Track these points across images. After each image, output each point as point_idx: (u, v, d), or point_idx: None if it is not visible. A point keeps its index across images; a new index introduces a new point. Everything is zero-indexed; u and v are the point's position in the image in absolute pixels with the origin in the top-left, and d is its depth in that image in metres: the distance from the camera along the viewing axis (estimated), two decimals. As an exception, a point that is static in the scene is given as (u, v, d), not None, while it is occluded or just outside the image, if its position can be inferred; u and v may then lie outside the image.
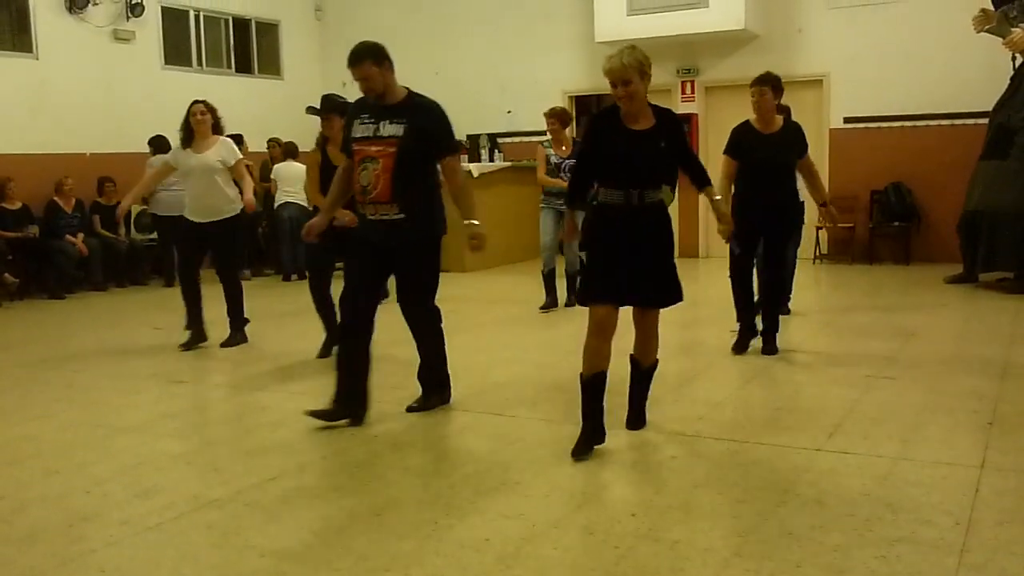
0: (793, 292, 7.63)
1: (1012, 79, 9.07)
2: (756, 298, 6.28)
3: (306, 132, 6.28)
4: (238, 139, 11.40)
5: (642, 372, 4.48)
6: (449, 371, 5.07)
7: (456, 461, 4.28)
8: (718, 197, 4.63)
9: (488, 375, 5.82)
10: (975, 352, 6.12)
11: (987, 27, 9.02)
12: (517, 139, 12.57)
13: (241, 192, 6.78)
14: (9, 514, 3.67)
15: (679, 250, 11.62)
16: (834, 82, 11.16)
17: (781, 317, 6.46)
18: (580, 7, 12.12)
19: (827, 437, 4.32)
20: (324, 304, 6.19)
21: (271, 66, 13.66)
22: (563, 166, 7.74)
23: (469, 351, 6.35)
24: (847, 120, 11.13)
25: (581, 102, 12.57)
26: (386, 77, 4.57)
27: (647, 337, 4.39)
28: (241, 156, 6.90)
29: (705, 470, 3.97)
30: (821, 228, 10.88)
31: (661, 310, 4.34)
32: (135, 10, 11.49)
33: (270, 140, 11.96)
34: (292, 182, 10.77)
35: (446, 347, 5.01)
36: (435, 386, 5.03)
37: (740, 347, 6.13)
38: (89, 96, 11.12)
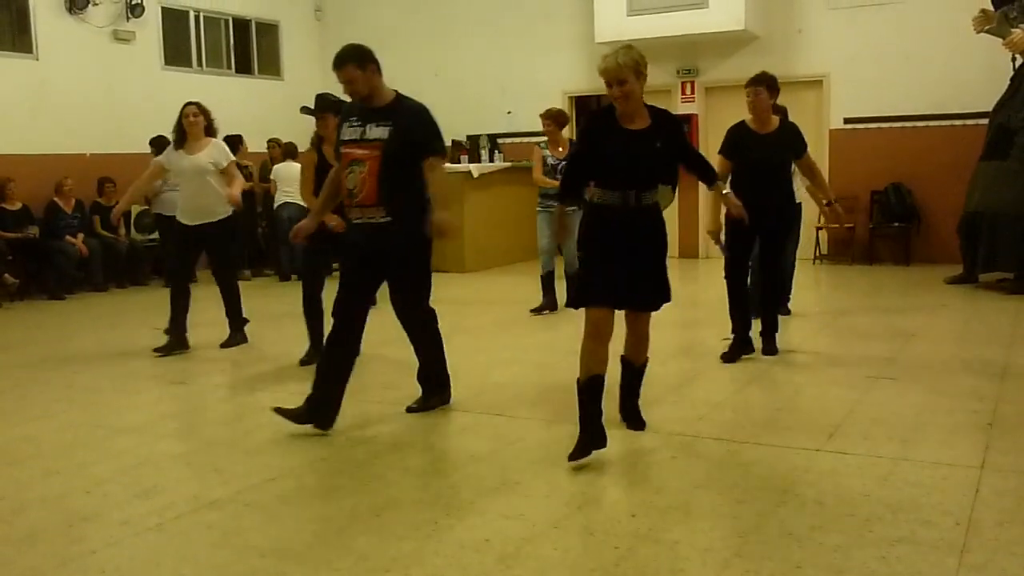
0: (793, 292, 7.63)
1: (1012, 80, 9.06)
2: (751, 303, 6.21)
3: (306, 132, 6.27)
4: (238, 140, 11.44)
5: (635, 371, 4.49)
6: (448, 371, 5.06)
7: (456, 461, 4.28)
8: (726, 191, 4.62)
9: (488, 375, 5.82)
10: (975, 353, 6.13)
11: (987, 27, 9.02)
12: (517, 140, 12.56)
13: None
14: (9, 515, 3.67)
15: (679, 250, 11.75)
16: (834, 83, 11.16)
17: (781, 318, 6.46)
18: (580, 7, 12.13)
19: (827, 438, 4.32)
20: (313, 309, 6.05)
21: (271, 67, 13.66)
22: (559, 167, 7.72)
23: (469, 352, 6.35)
24: (847, 121, 11.14)
25: (581, 103, 12.57)
26: (371, 80, 4.56)
27: (640, 338, 4.39)
28: (233, 158, 6.86)
29: (705, 471, 3.97)
30: (821, 228, 10.89)
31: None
32: (135, 11, 11.49)
33: (270, 140, 11.96)
34: (291, 182, 10.71)
35: (444, 348, 5.01)
36: (435, 387, 5.02)
37: (729, 357, 5.96)
38: (89, 96, 11.12)
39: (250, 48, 13.38)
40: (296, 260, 10.66)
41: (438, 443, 4.61)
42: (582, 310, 4.14)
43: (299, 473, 4.11)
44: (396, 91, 4.68)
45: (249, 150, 11.67)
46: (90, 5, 11.02)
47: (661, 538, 3.26)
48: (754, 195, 5.77)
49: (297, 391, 5.38)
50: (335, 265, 6.64)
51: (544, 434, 4.54)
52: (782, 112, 6.40)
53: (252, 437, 4.66)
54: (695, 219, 11.72)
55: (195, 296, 6.93)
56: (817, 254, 11.07)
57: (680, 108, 11.81)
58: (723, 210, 5.67)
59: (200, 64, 12.59)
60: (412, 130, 4.53)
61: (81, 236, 10.38)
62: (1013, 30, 8.70)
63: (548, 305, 8.05)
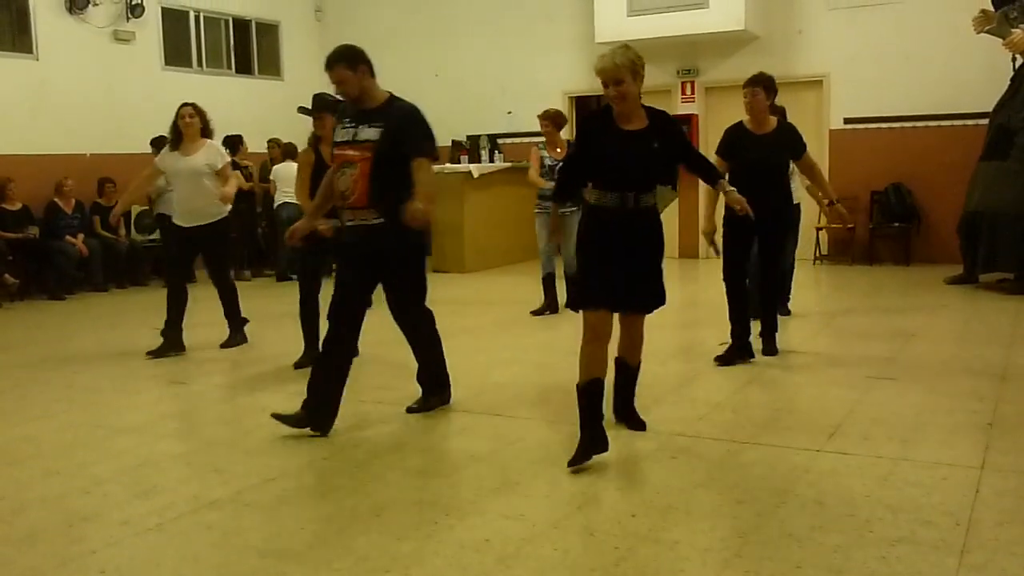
0: (793, 293, 7.63)
1: (1012, 80, 9.07)
2: (751, 303, 6.17)
3: (306, 133, 6.26)
4: (238, 140, 11.46)
5: (630, 372, 4.49)
6: (448, 371, 5.06)
7: (456, 462, 4.28)
8: (730, 189, 4.59)
9: (488, 376, 5.82)
10: (975, 353, 6.12)
11: (987, 28, 9.02)
12: (517, 140, 12.56)
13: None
14: (9, 515, 3.67)
15: (679, 251, 11.75)
16: (834, 83, 11.16)
17: (781, 318, 6.45)
18: (580, 8, 12.13)
19: (827, 438, 4.32)
20: (309, 311, 6.03)
21: (271, 67, 13.66)
22: (557, 168, 7.72)
23: (469, 352, 6.36)
24: (847, 121, 11.14)
25: (581, 103, 12.57)
26: (362, 81, 4.53)
27: (634, 339, 4.38)
28: (229, 159, 6.83)
29: (705, 471, 3.97)
30: (821, 229, 10.89)
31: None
32: (135, 11, 11.50)
33: (270, 141, 11.96)
34: (291, 183, 10.60)
35: (443, 348, 5.00)
36: (435, 387, 5.02)
37: (723, 360, 5.89)
38: (89, 97, 11.12)
39: (250, 48, 13.38)
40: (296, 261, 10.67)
41: (438, 443, 4.61)
42: (580, 311, 4.14)
43: (299, 473, 4.12)
44: (389, 92, 4.65)
45: (249, 150, 11.69)
46: (90, 5, 11.03)
47: (661, 538, 3.26)
48: (751, 196, 5.71)
49: (297, 392, 5.38)
50: (334, 266, 6.64)
51: (544, 434, 4.54)
52: (780, 112, 6.38)
53: (252, 437, 4.66)
54: (695, 219, 11.69)
55: (195, 296, 6.93)
56: (817, 254, 11.07)
57: (680, 108, 11.81)
58: (719, 211, 5.65)
59: (200, 64, 12.59)
60: (403, 131, 4.49)
61: (81, 236, 10.38)
62: (1013, 30, 8.70)
63: (549, 306, 8.04)
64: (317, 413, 4.59)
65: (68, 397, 5.63)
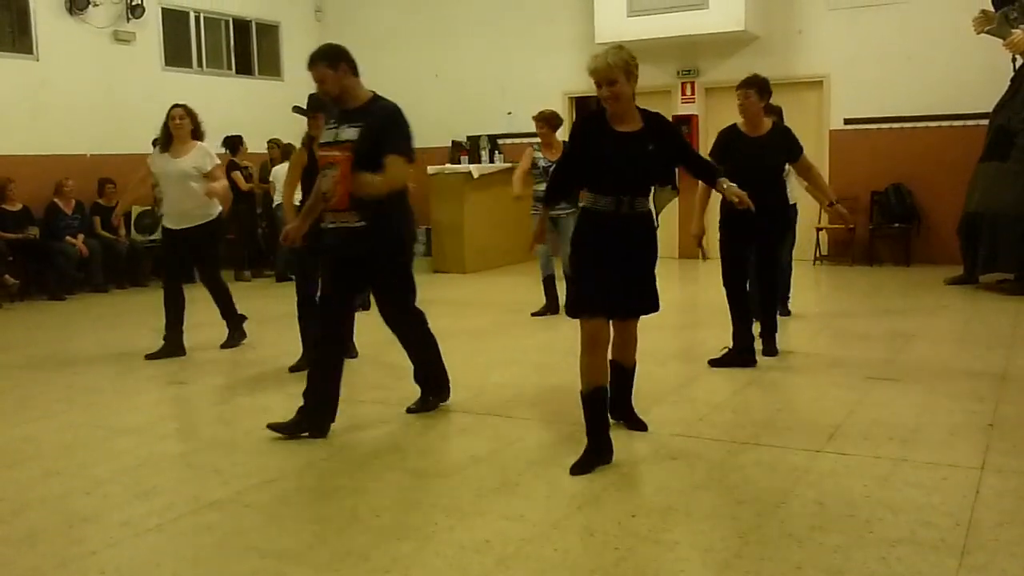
0: (792, 293, 7.62)
1: (1012, 81, 9.07)
2: (751, 303, 6.14)
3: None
4: (238, 140, 11.46)
5: (626, 373, 4.46)
6: (446, 369, 5.01)
7: (456, 462, 4.27)
8: (728, 185, 4.49)
9: (488, 376, 5.82)
10: (975, 354, 6.12)
11: (987, 28, 9.02)
12: (517, 140, 12.55)
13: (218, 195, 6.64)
14: (9, 515, 3.67)
15: (679, 251, 11.74)
16: (834, 83, 11.16)
17: (781, 318, 6.44)
18: (580, 8, 12.13)
19: (827, 438, 4.32)
20: (307, 313, 5.95)
21: (271, 67, 13.66)
22: (551, 169, 7.70)
23: (468, 352, 6.36)
24: (847, 121, 11.14)
25: (581, 103, 12.57)
26: (342, 80, 4.48)
27: (628, 341, 4.36)
28: (218, 162, 6.72)
29: (705, 471, 3.97)
30: (821, 229, 10.89)
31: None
32: (135, 11, 11.50)
33: (270, 141, 11.96)
34: (289, 183, 10.75)
35: (440, 347, 4.96)
36: (433, 386, 4.99)
37: (717, 363, 5.85)
38: (89, 97, 11.12)
39: (250, 49, 13.38)
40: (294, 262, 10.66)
41: (438, 444, 4.61)
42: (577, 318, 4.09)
43: (299, 474, 4.11)
44: (373, 92, 4.58)
45: (249, 151, 11.69)
46: (90, 6, 11.03)
47: (661, 539, 3.26)
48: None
49: (296, 392, 5.37)
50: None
51: (544, 435, 4.54)
52: (777, 112, 6.35)
53: (252, 438, 4.66)
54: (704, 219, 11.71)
55: (194, 297, 6.92)
56: (817, 255, 11.07)
57: (680, 109, 11.81)
58: (717, 213, 5.62)
59: (200, 65, 12.59)
60: (382, 130, 4.41)
61: (81, 237, 10.38)
62: (1013, 31, 8.71)
63: (550, 308, 8.04)
64: (315, 414, 4.57)
65: (68, 398, 5.63)
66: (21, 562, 3.22)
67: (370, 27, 13.50)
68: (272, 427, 4.59)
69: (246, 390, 5.75)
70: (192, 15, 12.44)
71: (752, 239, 5.87)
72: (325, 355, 4.66)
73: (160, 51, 12.06)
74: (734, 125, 5.94)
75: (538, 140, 8.07)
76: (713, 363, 5.86)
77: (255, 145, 11.77)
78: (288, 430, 4.56)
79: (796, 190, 6.99)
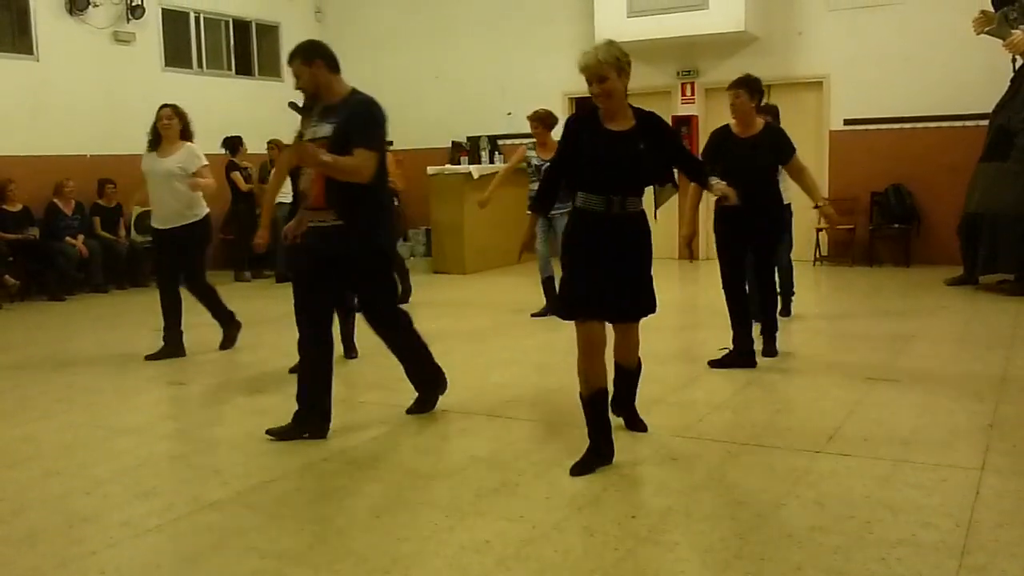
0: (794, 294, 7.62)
1: (1012, 81, 9.07)
2: (751, 304, 6.12)
3: (306, 134, 6.24)
4: (238, 141, 11.47)
5: (630, 373, 4.43)
6: (438, 365, 4.95)
7: (456, 463, 4.27)
8: (715, 182, 4.43)
9: (487, 377, 5.82)
10: (975, 354, 6.12)
11: (987, 29, 9.02)
12: (517, 141, 12.54)
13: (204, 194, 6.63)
14: (9, 515, 3.67)
15: (678, 252, 11.73)
16: (834, 84, 11.16)
17: (781, 319, 6.44)
18: (580, 9, 12.13)
19: (827, 439, 4.32)
20: None
21: (271, 68, 13.64)
22: (543, 169, 7.70)
23: (468, 353, 6.36)
24: (847, 122, 11.14)
25: (582, 104, 12.56)
26: (318, 76, 4.44)
27: (630, 343, 4.32)
28: (205, 163, 6.64)
29: (705, 472, 3.97)
30: (821, 230, 10.89)
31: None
32: (135, 12, 11.50)
33: (270, 142, 11.93)
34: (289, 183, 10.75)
35: (427, 346, 4.87)
36: (428, 385, 4.95)
37: (717, 364, 5.84)
38: (89, 98, 11.12)
39: (250, 49, 13.38)
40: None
41: (437, 444, 4.60)
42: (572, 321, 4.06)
43: (299, 474, 4.11)
44: (352, 88, 4.52)
45: (249, 151, 11.69)
46: (90, 6, 11.03)
47: (661, 539, 3.26)
48: (739, 199, 5.65)
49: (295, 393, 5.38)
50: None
51: (544, 435, 4.54)
52: (773, 111, 6.32)
53: (252, 438, 4.65)
54: (695, 220, 11.70)
55: (193, 298, 6.91)
56: (817, 256, 11.07)
57: (680, 110, 11.81)
58: (713, 214, 5.61)
59: (200, 65, 12.59)
60: (351, 123, 4.33)
61: (81, 237, 10.39)
62: (1013, 31, 8.71)
63: (551, 309, 8.04)
64: (310, 416, 4.56)
65: (68, 398, 5.63)
66: (21, 562, 3.22)
67: (370, 27, 13.50)
68: (270, 433, 4.58)
69: (246, 391, 5.75)
70: (192, 16, 12.44)
71: (750, 239, 5.86)
72: (309, 357, 4.62)
73: (160, 52, 12.06)
74: (726, 126, 5.93)
75: (534, 140, 8.08)
76: (713, 364, 5.85)
77: (255, 146, 11.77)
78: (285, 435, 4.55)
79: (790, 190, 6.98)
